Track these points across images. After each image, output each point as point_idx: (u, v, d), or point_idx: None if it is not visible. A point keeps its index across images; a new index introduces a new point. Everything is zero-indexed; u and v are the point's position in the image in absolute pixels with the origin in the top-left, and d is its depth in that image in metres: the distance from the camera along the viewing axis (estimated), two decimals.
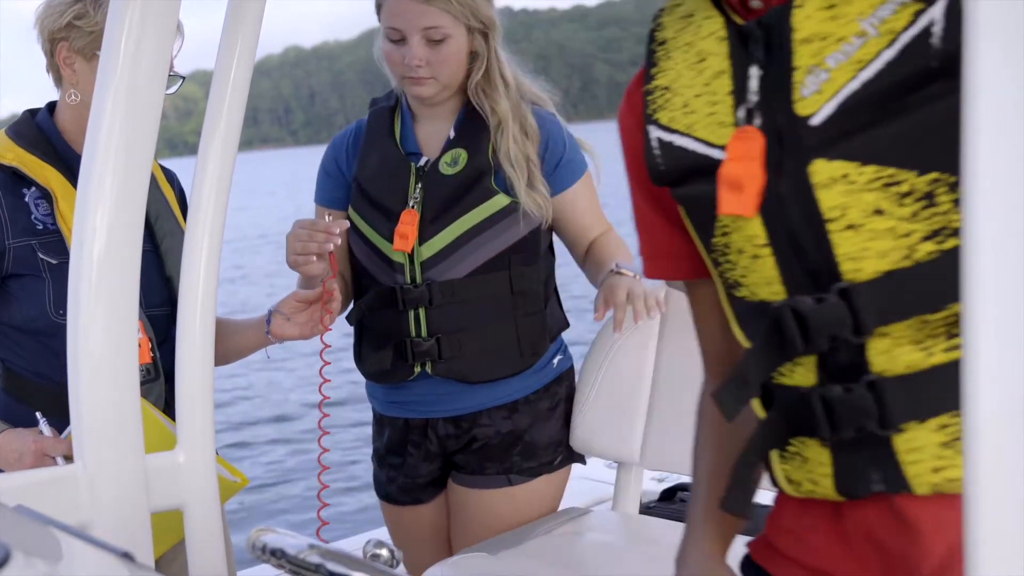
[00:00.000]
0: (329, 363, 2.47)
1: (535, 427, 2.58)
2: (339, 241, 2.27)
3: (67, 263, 2.04)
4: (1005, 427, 0.68)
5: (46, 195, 2.15)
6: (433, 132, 2.52)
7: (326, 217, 2.44)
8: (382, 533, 2.83)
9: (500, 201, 2.42)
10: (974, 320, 0.68)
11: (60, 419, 1.91)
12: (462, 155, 2.45)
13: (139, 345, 1.99)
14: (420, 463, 2.62)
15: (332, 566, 1.13)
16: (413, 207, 2.43)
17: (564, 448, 2.65)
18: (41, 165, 2.17)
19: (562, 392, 2.64)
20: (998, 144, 0.67)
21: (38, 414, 2.07)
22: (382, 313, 2.49)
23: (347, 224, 2.37)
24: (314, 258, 2.26)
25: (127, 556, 1.11)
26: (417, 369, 2.50)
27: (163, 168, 2.41)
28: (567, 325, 2.68)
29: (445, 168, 2.45)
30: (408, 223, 2.40)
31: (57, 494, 1.42)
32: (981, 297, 0.68)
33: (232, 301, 13.73)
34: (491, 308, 2.47)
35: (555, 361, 2.63)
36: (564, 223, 2.57)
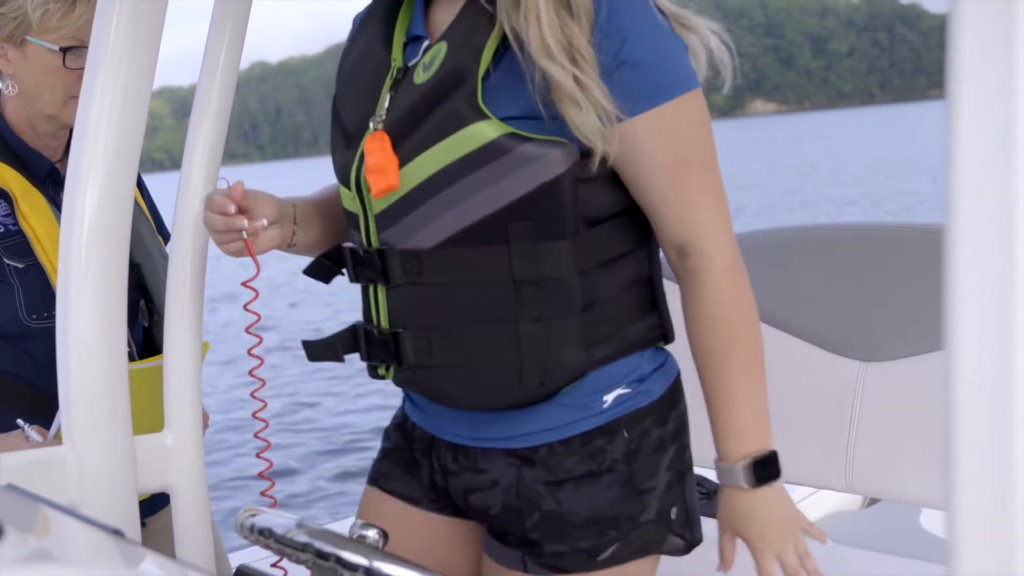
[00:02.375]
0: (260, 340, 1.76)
1: (563, 492, 1.61)
2: (250, 227, 1.60)
3: (34, 265, 2.00)
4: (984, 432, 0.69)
5: (4, 196, 2.05)
6: (452, 10, 1.58)
7: (223, 189, 1.62)
8: None
9: (484, 131, 1.49)
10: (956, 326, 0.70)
11: (40, 420, 1.87)
12: (441, 50, 1.54)
13: None
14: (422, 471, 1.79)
15: (320, 545, 1.14)
16: (377, 128, 1.60)
17: (620, 532, 1.60)
18: None
19: (616, 451, 1.60)
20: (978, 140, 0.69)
21: (19, 420, 1.96)
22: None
23: (231, 212, 1.58)
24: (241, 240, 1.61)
25: (117, 533, 1.12)
26: (381, 371, 1.68)
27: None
28: (653, 340, 1.65)
29: (419, 73, 1.57)
30: (379, 150, 1.57)
31: (46, 474, 1.43)
32: (963, 303, 0.70)
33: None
34: (480, 301, 1.57)
35: (607, 398, 1.60)
36: (626, 182, 1.56)
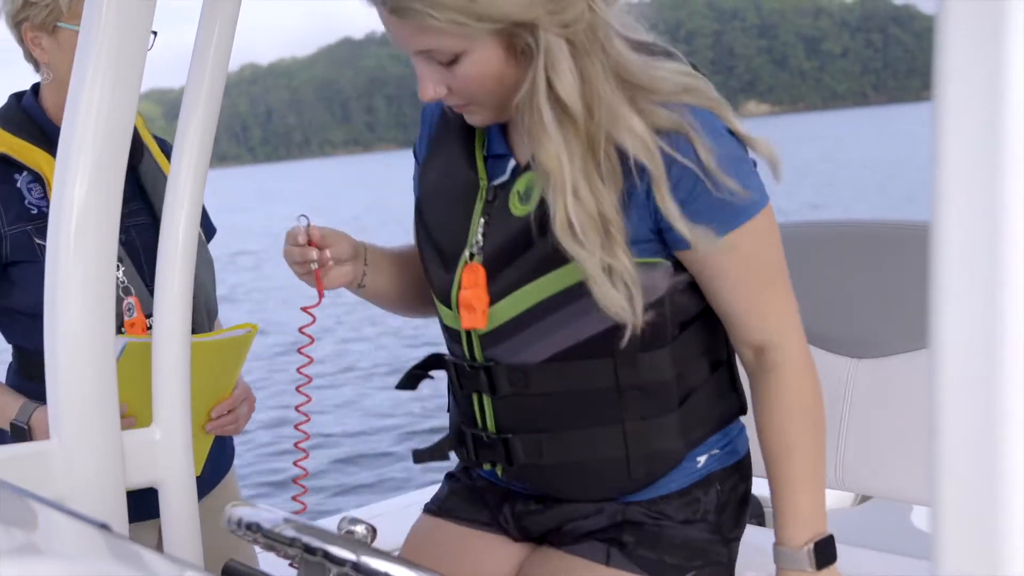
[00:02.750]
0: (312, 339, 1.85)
1: (663, 523, 1.73)
2: (321, 260, 1.71)
3: None
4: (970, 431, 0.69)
5: (38, 179, 2.14)
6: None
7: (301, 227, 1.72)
8: None
9: None
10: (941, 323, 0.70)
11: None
12: (537, 182, 1.59)
13: (135, 324, 2.05)
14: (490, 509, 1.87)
15: (307, 540, 1.14)
16: (474, 258, 1.66)
17: (703, 563, 1.74)
18: (30, 149, 2.16)
19: (710, 502, 1.74)
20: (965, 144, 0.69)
21: None
22: (450, 381, 1.82)
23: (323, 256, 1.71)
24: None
25: (104, 527, 1.12)
26: (487, 466, 1.78)
27: (157, 139, 2.40)
28: (735, 414, 1.79)
29: (515, 204, 1.63)
30: (473, 286, 1.65)
31: (34, 469, 1.43)
32: (947, 300, 0.70)
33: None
34: (586, 406, 1.66)
35: (701, 459, 1.73)
36: (706, 294, 1.66)
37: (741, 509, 1.80)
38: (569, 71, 1.49)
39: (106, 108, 1.44)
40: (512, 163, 1.66)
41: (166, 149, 2.37)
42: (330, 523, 2.63)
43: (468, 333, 1.68)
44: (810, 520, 1.63)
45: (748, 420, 1.84)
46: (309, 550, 1.14)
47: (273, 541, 1.17)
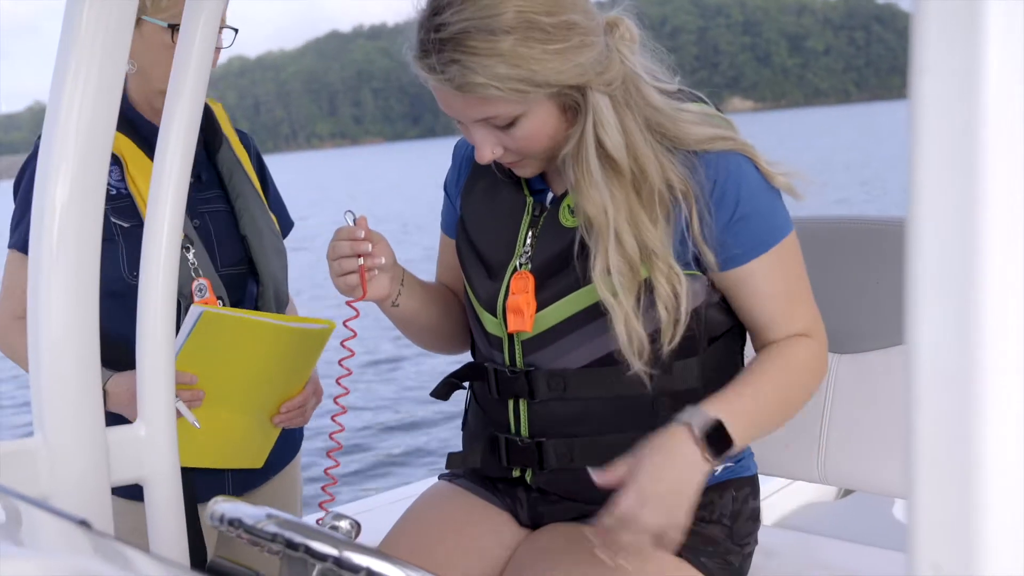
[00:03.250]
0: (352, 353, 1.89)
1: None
2: (370, 252, 1.78)
3: (139, 227, 2.07)
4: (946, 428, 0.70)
5: (116, 161, 2.17)
6: None
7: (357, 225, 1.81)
8: None
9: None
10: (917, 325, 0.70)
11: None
12: None
13: (208, 303, 2.08)
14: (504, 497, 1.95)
15: (289, 535, 1.14)
16: (523, 268, 1.78)
17: (716, 552, 1.82)
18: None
19: (725, 506, 1.84)
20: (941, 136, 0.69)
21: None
22: (481, 391, 1.91)
23: (359, 237, 1.78)
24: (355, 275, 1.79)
25: (84, 524, 1.12)
26: (516, 473, 1.86)
27: (238, 132, 2.44)
28: None
29: (565, 216, 1.77)
30: (522, 292, 1.76)
31: (17, 467, 1.42)
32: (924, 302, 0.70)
33: None
34: (619, 411, 1.76)
35: (717, 468, 1.79)
36: (737, 310, 1.81)
37: (753, 523, 1.88)
38: (615, 126, 1.65)
39: (88, 108, 1.44)
40: (550, 195, 1.81)
41: (246, 142, 2.43)
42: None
43: (512, 339, 1.78)
44: (733, 410, 1.65)
45: (756, 445, 1.94)
46: (291, 546, 1.13)
47: (256, 537, 1.17)
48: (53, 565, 0.90)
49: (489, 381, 1.83)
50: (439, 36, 1.59)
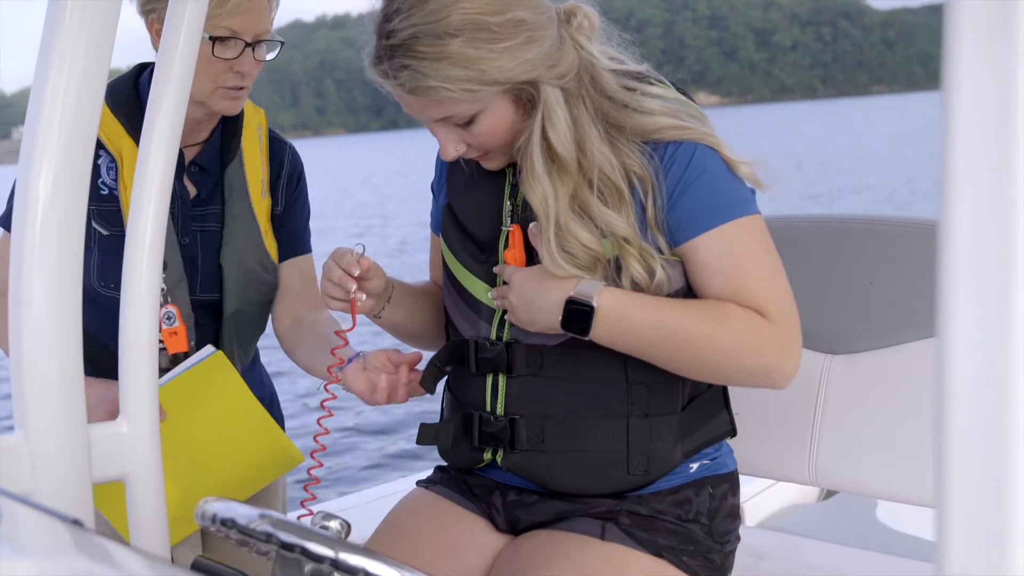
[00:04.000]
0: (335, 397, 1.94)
1: (658, 521, 1.81)
2: (357, 292, 1.84)
3: (119, 235, 2.06)
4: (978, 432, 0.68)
5: (114, 159, 2.14)
6: None
7: (355, 253, 1.86)
8: None
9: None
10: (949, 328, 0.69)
11: (105, 377, 1.93)
12: None
13: (176, 333, 2.02)
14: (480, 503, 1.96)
15: (284, 536, 1.12)
16: (513, 224, 1.82)
17: (695, 551, 1.81)
18: (118, 131, 2.15)
19: (702, 504, 1.83)
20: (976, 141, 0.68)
21: None
22: (458, 373, 1.93)
23: (353, 275, 1.84)
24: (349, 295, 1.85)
25: (76, 523, 1.09)
26: (487, 456, 1.86)
27: (276, 142, 2.33)
28: (727, 435, 1.90)
29: None
30: (517, 245, 1.81)
31: None
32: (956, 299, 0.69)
33: None
34: (593, 395, 1.77)
35: (693, 466, 1.84)
36: (693, 286, 1.78)
37: (732, 521, 1.88)
38: (563, 120, 1.68)
39: (72, 102, 1.41)
40: None
41: (279, 157, 2.32)
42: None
43: (504, 312, 1.80)
44: (615, 316, 1.67)
45: (735, 442, 1.94)
46: (286, 547, 1.11)
47: (248, 537, 1.15)
48: (46, 566, 0.88)
49: (469, 356, 1.85)
50: (390, 43, 1.64)
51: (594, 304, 1.67)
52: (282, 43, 2.16)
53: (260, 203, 2.26)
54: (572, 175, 1.70)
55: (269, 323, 2.36)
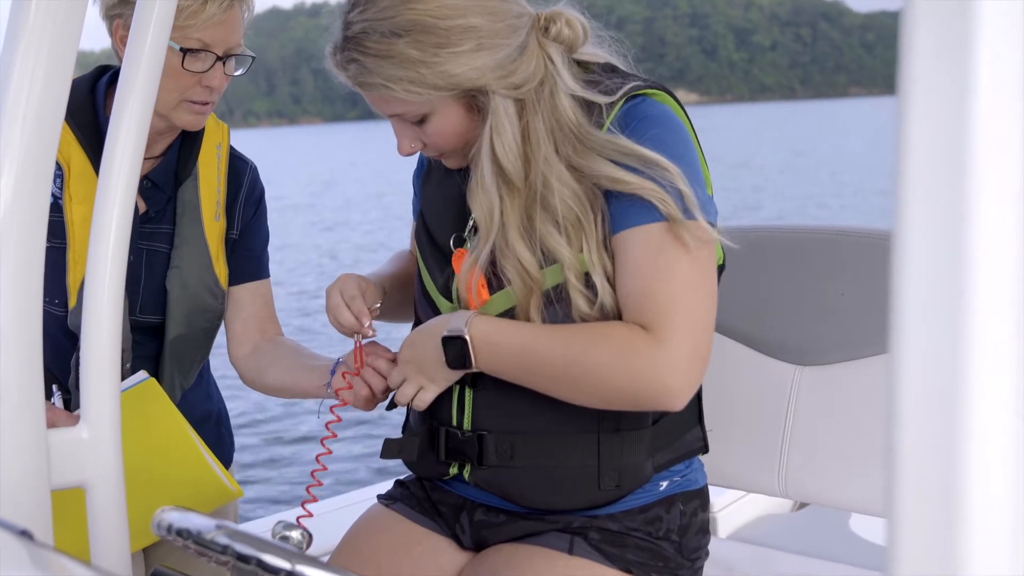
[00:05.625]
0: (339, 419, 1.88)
1: (628, 539, 1.78)
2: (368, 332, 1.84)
3: (59, 247, 2.02)
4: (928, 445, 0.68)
5: (59, 168, 2.04)
6: None
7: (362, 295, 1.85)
8: None
9: (552, 277, 1.67)
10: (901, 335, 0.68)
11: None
12: None
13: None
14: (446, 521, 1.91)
15: (240, 548, 1.10)
16: (466, 246, 1.77)
17: (665, 568, 1.78)
18: (68, 139, 2.04)
19: (672, 521, 1.79)
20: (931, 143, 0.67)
21: (54, 386, 2.02)
22: None
23: (368, 332, 1.85)
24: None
25: (25, 534, 1.07)
26: (453, 470, 1.82)
27: (237, 162, 2.26)
28: (699, 451, 1.86)
29: None
30: (460, 270, 1.77)
31: None
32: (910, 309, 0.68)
33: None
34: (562, 409, 1.69)
35: (663, 484, 1.80)
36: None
37: (703, 536, 1.84)
38: (511, 134, 1.64)
39: (36, 98, 1.39)
40: None
41: (238, 178, 2.25)
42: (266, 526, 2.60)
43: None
44: (489, 344, 1.65)
45: (707, 459, 1.92)
46: (242, 558, 1.10)
47: (205, 548, 1.13)
48: None
49: None
50: (345, 34, 1.65)
51: (464, 336, 1.66)
52: (253, 58, 2.10)
53: (213, 226, 2.18)
54: (520, 192, 1.65)
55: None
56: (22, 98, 1.38)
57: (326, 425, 1.85)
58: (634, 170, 1.60)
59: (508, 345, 1.64)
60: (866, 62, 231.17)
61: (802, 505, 2.77)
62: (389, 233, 22.51)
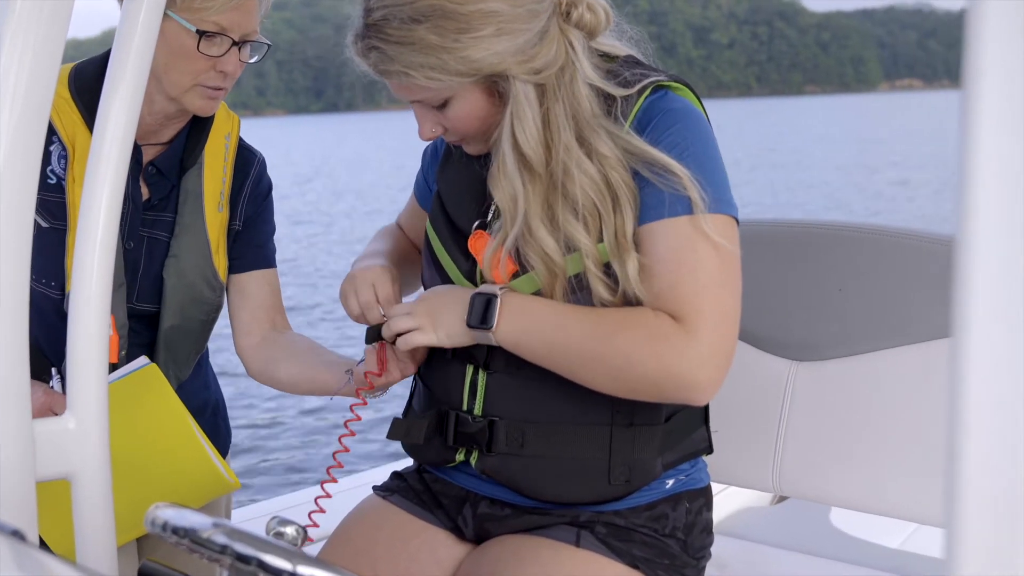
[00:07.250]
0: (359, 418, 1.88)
1: (634, 534, 1.77)
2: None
3: (59, 228, 2.00)
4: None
5: (64, 148, 2.02)
6: None
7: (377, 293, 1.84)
8: None
9: (573, 264, 1.67)
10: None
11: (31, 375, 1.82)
12: None
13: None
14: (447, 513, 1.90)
15: (240, 548, 1.07)
16: (486, 228, 1.78)
17: (670, 564, 1.77)
18: (75, 119, 2.02)
19: (678, 519, 1.79)
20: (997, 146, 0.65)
21: (53, 369, 2.00)
22: (437, 362, 1.84)
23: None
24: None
25: (16, 534, 1.04)
26: (459, 456, 1.80)
27: (245, 153, 2.23)
28: (704, 451, 1.86)
29: None
30: (481, 250, 1.77)
31: None
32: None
33: None
34: (575, 402, 1.70)
35: (669, 482, 1.80)
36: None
37: (707, 535, 1.84)
38: (532, 119, 1.63)
39: (24, 81, 1.35)
40: None
41: (244, 169, 2.21)
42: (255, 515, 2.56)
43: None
44: (518, 323, 1.65)
45: (710, 459, 1.91)
46: (242, 559, 1.07)
47: (202, 548, 1.10)
48: None
49: (445, 352, 1.78)
50: (366, 22, 1.65)
51: (497, 293, 1.65)
52: (268, 46, 2.05)
53: (215, 217, 2.15)
54: (542, 178, 1.65)
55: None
56: (10, 82, 1.34)
57: (350, 407, 1.83)
58: (637, 175, 1.63)
59: (538, 314, 1.64)
60: (821, 61, 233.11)
61: (782, 498, 2.76)
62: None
